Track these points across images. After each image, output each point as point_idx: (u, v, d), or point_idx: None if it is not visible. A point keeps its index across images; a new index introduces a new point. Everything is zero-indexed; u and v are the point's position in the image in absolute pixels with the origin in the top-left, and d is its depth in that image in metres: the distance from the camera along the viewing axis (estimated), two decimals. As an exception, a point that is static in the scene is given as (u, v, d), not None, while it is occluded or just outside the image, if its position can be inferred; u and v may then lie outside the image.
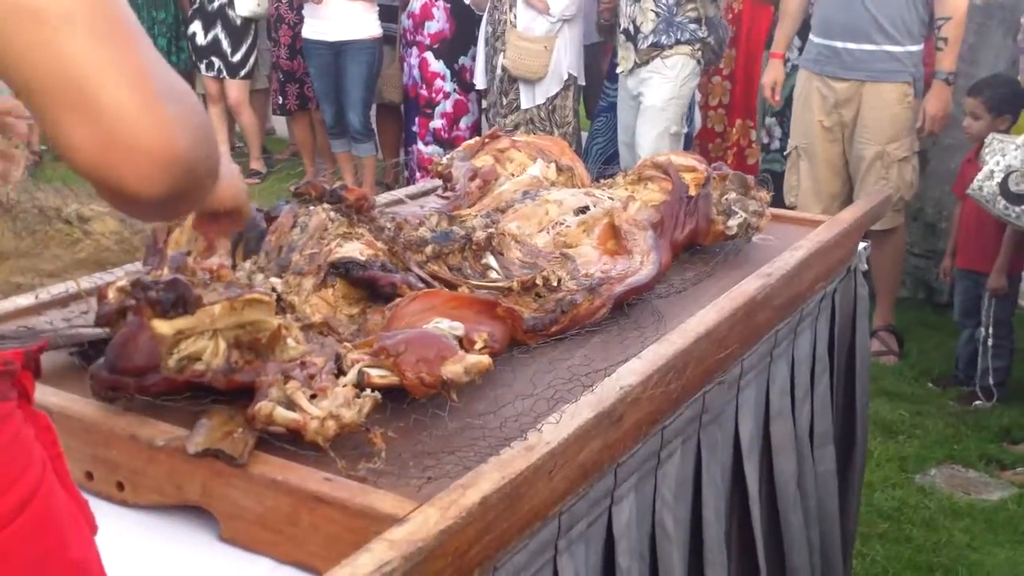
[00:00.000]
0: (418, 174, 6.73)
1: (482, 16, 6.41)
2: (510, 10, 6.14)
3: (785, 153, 5.25)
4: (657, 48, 5.47)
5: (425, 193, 2.68)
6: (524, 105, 6.23)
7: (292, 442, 1.37)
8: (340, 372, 1.48)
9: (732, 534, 2.08)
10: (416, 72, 6.80)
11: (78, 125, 0.83)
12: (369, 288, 1.73)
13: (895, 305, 5.25)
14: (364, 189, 1.90)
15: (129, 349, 1.43)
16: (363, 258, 1.74)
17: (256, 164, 8.10)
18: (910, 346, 5.18)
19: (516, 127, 6.12)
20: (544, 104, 6.21)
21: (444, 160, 2.54)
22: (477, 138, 2.65)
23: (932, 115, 4.73)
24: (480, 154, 2.54)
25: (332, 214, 1.82)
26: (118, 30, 0.86)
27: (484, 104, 6.63)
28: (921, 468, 4.09)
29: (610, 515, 1.60)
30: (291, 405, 1.38)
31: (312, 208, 1.82)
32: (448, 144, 6.64)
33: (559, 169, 2.48)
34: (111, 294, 1.58)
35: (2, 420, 0.96)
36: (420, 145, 6.84)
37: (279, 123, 9.03)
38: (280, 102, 7.64)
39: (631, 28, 5.54)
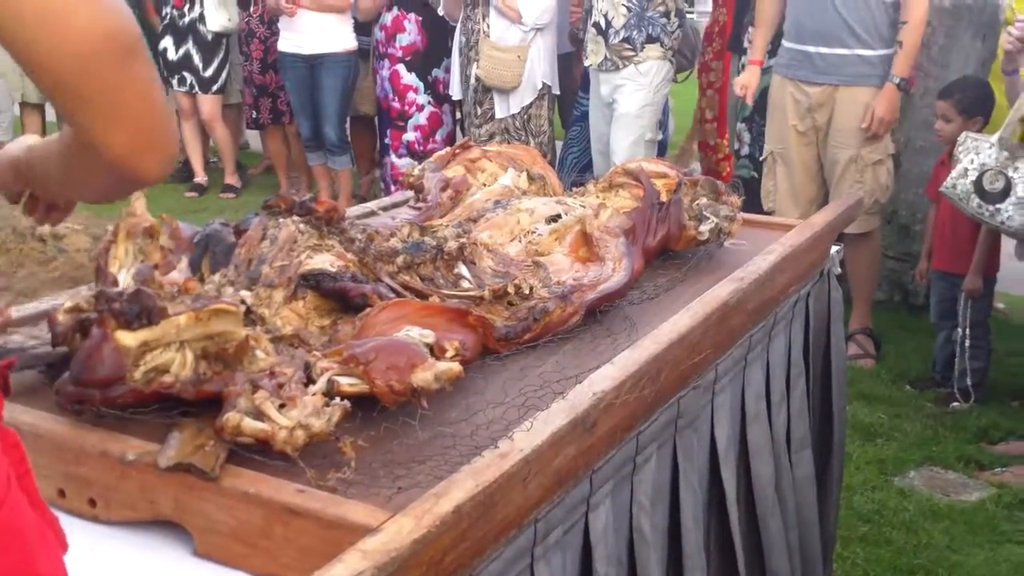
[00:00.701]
0: (392, 187, 6.72)
1: (455, 28, 6.43)
2: (483, 20, 6.15)
3: (761, 158, 5.27)
4: (628, 43, 5.50)
5: (397, 205, 2.67)
6: (499, 115, 6.24)
7: (262, 452, 1.36)
8: (310, 381, 1.47)
9: (711, 539, 2.08)
10: (387, 85, 6.80)
11: (121, 131, 1.07)
12: (340, 299, 1.73)
13: (871, 308, 5.28)
14: (336, 201, 1.89)
15: (93, 361, 1.41)
16: (334, 269, 1.73)
17: (231, 179, 8.08)
18: (887, 349, 5.20)
19: (491, 137, 6.14)
20: (519, 114, 6.23)
21: (415, 171, 2.53)
22: (448, 149, 2.65)
23: (879, 117, 4.74)
24: (452, 164, 2.54)
25: (302, 226, 1.81)
26: (148, 55, 1.09)
27: (460, 115, 6.64)
28: (900, 470, 4.10)
29: (587, 522, 1.60)
30: (259, 415, 1.37)
31: (282, 220, 1.81)
32: (423, 157, 6.63)
33: (531, 178, 2.48)
34: (61, 316, 1.57)
35: None
36: (393, 157, 6.84)
37: (253, 137, 9.02)
38: (253, 116, 7.63)
39: (602, 22, 5.57)
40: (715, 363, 2.02)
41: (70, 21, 1.00)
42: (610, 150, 5.66)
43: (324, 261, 1.75)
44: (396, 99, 6.78)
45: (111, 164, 1.09)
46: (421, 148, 6.74)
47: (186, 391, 1.43)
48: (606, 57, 5.59)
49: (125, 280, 1.69)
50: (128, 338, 1.41)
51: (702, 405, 1.99)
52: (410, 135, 6.78)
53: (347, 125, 7.25)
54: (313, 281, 1.71)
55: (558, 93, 6.40)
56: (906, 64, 4.74)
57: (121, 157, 1.09)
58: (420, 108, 6.77)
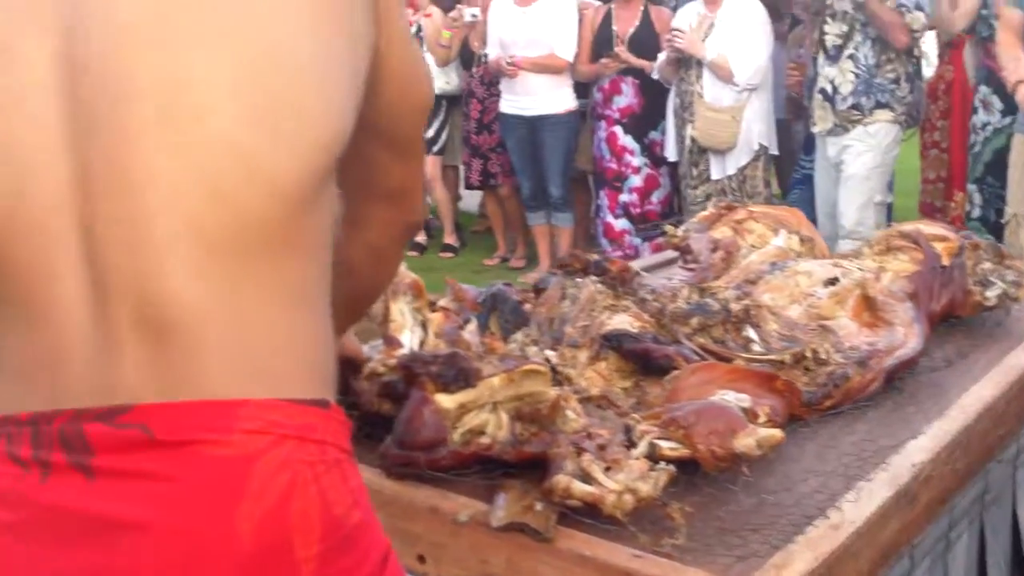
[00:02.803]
0: (609, 247, 6.72)
1: (670, 90, 6.42)
2: (697, 81, 6.13)
3: (1004, 221, 5.06)
4: (856, 109, 5.37)
5: (659, 265, 2.66)
6: (714, 176, 6.19)
7: (589, 515, 1.35)
8: (630, 444, 1.46)
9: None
10: (604, 146, 6.83)
11: (418, 165, 1.33)
12: (641, 361, 1.72)
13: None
14: (624, 261, 1.89)
15: (416, 424, 1.44)
16: (635, 330, 1.72)
17: (449, 238, 8.20)
18: None
19: (707, 198, 6.08)
20: (735, 175, 6.16)
21: (679, 232, 2.52)
22: (712, 209, 2.63)
23: None
24: (717, 225, 2.51)
25: (599, 286, 1.81)
26: None
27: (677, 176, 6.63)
28: None
29: (905, 600, 1.54)
30: (586, 478, 1.37)
31: (579, 280, 1.81)
32: (639, 219, 6.65)
33: (800, 240, 2.43)
34: (364, 385, 1.60)
35: (361, 482, 1.04)
36: (610, 218, 6.84)
37: (468, 196, 9.15)
38: (468, 176, 7.77)
39: (829, 88, 5.45)
40: (1018, 436, 1.93)
41: (422, 87, 1.26)
42: (838, 212, 5.53)
43: (624, 321, 1.74)
44: (613, 160, 6.79)
45: (402, 193, 1.28)
46: (637, 210, 6.73)
47: (506, 453, 1.44)
48: (835, 124, 5.46)
49: (411, 341, 1.71)
50: (447, 400, 1.43)
51: (1005, 479, 1.89)
52: (626, 196, 6.78)
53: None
54: (615, 341, 1.70)
55: (776, 154, 6.31)
56: None
57: (413, 187, 1.30)
58: (636, 170, 6.76)
